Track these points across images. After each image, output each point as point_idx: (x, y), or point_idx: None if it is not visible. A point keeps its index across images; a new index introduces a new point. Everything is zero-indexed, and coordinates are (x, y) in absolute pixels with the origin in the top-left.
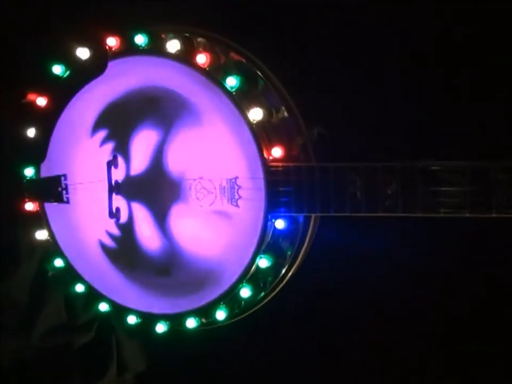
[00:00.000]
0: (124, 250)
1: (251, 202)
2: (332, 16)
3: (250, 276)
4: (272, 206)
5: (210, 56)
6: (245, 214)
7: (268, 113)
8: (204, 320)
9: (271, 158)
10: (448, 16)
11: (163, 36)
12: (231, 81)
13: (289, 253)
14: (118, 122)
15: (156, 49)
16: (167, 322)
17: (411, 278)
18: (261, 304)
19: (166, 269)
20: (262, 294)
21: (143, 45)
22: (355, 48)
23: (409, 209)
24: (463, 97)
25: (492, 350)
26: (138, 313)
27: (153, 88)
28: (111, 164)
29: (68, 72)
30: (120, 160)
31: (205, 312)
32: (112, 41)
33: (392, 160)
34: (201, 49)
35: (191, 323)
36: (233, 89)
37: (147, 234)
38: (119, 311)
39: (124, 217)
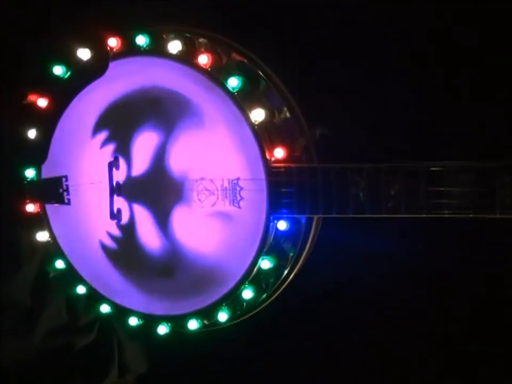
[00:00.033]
0: (125, 251)
1: (253, 203)
2: (331, 16)
3: (253, 277)
4: (274, 207)
5: (212, 56)
6: (246, 215)
7: (270, 114)
8: (206, 322)
9: (273, 159)
10: (448, 16)
11: (164, 36)
12: (233, 82)
13: (291, 254)
14: (119, 123)
15: (157, 50)
16: (169, 324)
17: (411, 278)
18: (263, 305)
19: (168, 271)
20: (264, 295)
21: (144, 46)
22: (355, 48)
23: (412, 210)
24: (463, 97)
25: (492, 350)
26: (139, 315)
27: (154, 89)
28: (112, 165)
29: (68, 73)
30: (122, 161)
31: (207, 313)
32: (113, 42)
33: (392, 160)
34: (202, 49)
35: (193, 325)
36: (235, 90)
37: (148, 236)
38: (121, 312)
39: (125, 219)
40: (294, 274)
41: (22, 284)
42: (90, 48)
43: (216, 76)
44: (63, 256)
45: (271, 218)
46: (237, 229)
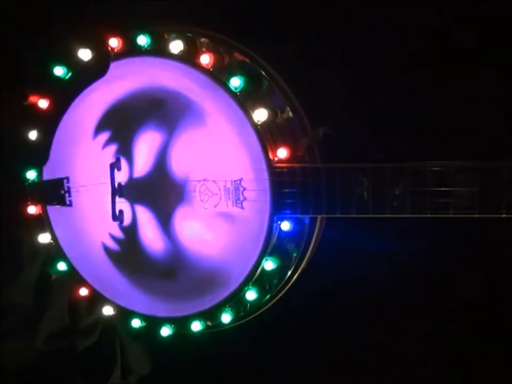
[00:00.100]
0: (128, 253)
1: (256, 204)
2: (331, 16)
3: (256, 278)
4: (278, 208)
5: (214, 56)
6: (250, 215)
7: (273, 114)
8: (209, 323)
9: (276, 159)
10: (448, 16)
11: (166, 36)
12: (235, 82)
13: (295, 254)
14: (121, 124)
15: (158, 50)
16: (172, 326)
17: (411, 278)
18: (267, 306)
19: (170, 272)
20: (268, 296)
21: (146, 46)
22: (355, 48)
23: (417, 210)
24: (463, 97)
25: (492, 350)
26: (142, 317)
27: (156, 89)
28: (114, 166)
29: (69, 74)
30: (123, 163)
31: (210, 315)
32: (114, 42)
33: (392, 160)
34: (204, 49)
35: (196, 326)
36: (238, 90)
37: (151, 237)
38: (123, 314)
39: (127, 220)
40: (298, 275)
41: (24, 285)
42: (91, 49)
43: (218, 75)
44: (65, 258)
45: (275, 218)
46: (240, 229)
